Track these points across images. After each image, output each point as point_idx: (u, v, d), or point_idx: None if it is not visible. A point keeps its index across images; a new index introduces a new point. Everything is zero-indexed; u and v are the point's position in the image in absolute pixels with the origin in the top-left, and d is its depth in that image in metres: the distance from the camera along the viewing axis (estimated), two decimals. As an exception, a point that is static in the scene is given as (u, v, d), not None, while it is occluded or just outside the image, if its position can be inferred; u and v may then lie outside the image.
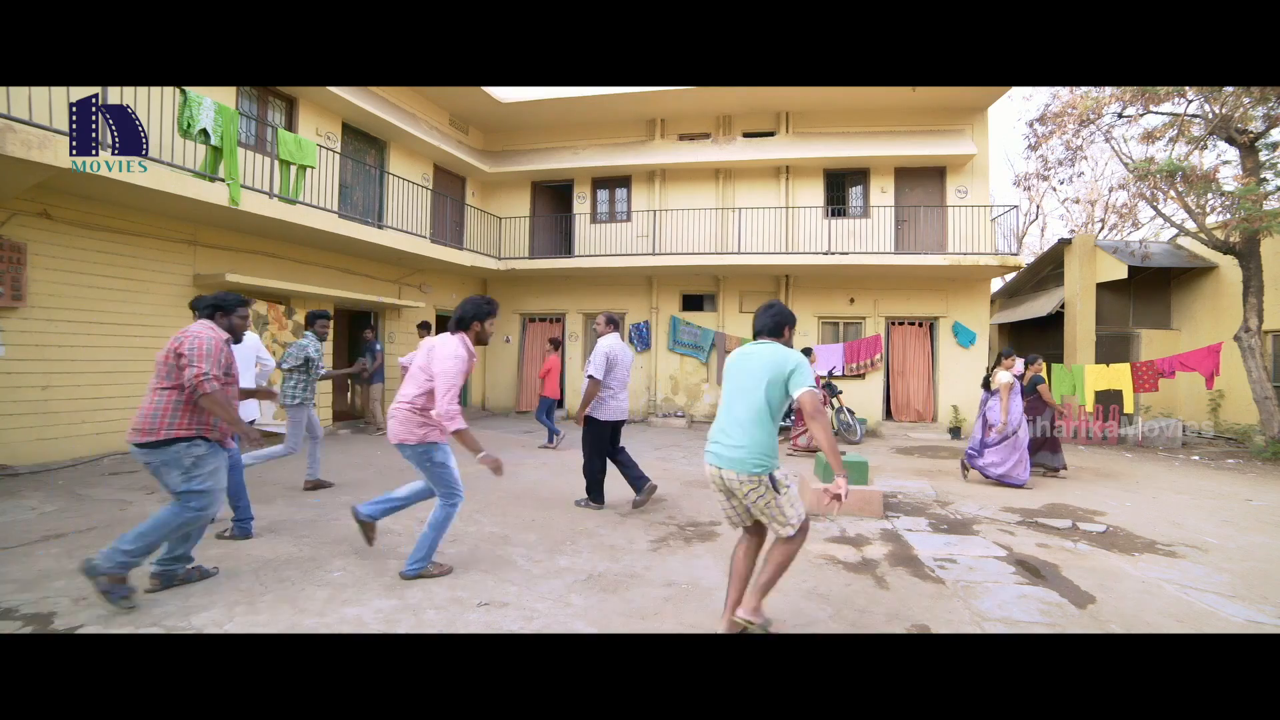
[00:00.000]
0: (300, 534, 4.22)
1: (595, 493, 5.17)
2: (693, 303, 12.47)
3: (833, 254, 10.95)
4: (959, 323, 11.49)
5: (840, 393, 9.96)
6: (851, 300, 11.89)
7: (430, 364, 3.35)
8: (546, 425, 8.64)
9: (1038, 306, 13.83)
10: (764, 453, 2.63)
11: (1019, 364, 6.93)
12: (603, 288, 12.58)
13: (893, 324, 11.81)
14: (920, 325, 11.69)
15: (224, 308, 3.38)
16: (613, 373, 5.00)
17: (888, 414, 11.74)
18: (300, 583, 3.32)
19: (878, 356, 11.50)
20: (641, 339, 12.29)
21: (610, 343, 5.07)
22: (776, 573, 2.72)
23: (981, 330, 11.53)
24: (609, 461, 5.21)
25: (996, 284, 15.83)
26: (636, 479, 5.14)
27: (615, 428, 5.17)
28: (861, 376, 11.50)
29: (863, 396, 11.32)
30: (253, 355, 4.89)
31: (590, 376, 4.98)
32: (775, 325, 2.80)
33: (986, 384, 6.81)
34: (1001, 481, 6.48)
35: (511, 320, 13.02)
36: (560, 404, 8.99)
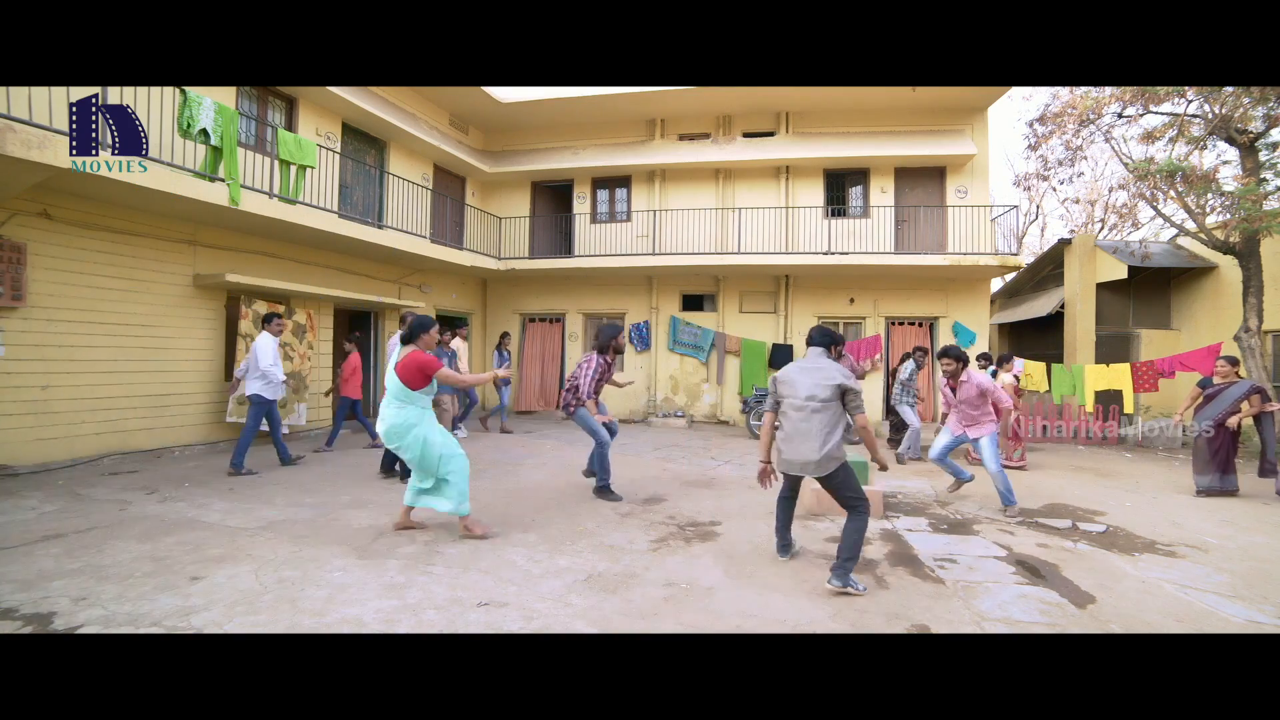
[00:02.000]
0: (300, 534, 4.23)
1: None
2: (693, 303, 12.49)
3: (833, 254, 10.95)
4: (959, 323, 11.47)
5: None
6: (851, 300, 11.89)
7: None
8: (365, 425, 8.31)
9: (1038, 306, 13.83)
10: None
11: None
12: (602, 288, 12.59)
13: (893, 324, 11.80)
14: (920, 325, 11.68)
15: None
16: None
17: (888, 413, 11.73)
18: (300, 583, 3.33)
19: (877, 357, 11.47)
20: (641, 339, 12.31)
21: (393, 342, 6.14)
22: None
23: (981, 330, 11.52)
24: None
25: (996, 284, 15.85)
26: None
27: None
28: (861, 377, 11.50)
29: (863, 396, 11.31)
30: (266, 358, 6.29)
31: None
32: None
33: None
34: None
35: (511, 320, 13.02)
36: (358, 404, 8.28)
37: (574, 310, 12.73)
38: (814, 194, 11.97)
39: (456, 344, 8.44)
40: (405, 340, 3.98)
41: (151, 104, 6.52)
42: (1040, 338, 13.86)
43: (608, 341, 5.39)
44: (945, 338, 11.57)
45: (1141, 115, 10.30)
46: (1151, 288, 12.89)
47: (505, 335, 10.65)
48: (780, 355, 11.78)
